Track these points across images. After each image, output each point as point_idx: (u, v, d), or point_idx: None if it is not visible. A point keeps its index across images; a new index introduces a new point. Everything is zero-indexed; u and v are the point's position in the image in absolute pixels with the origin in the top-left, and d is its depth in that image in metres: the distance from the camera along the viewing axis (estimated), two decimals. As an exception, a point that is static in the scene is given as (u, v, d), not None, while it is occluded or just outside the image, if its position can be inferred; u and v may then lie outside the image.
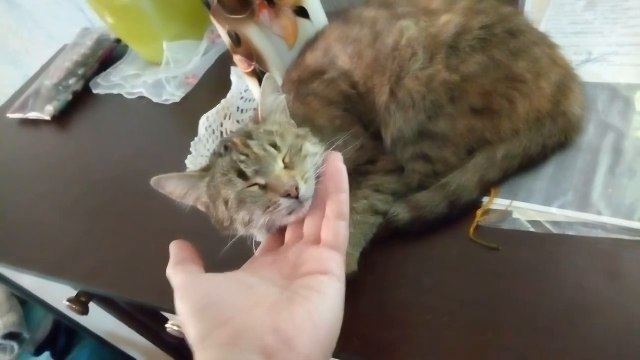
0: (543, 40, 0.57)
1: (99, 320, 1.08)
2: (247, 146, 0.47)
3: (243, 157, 0.46)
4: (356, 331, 0.50)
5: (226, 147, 0.49)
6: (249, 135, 0.48)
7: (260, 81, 0.72)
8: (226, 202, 0.47)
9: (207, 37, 1.01)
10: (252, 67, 0.70)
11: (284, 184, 0.44)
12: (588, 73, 0.60)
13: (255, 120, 0.51)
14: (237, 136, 0.49)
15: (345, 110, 0.60)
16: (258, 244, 0.59)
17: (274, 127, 0.48)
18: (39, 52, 1.52)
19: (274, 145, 0.46)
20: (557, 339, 0.44)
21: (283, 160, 0.47)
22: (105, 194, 0.84)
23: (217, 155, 0.50)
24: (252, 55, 0.68)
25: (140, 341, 1.06)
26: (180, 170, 0.78)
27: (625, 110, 0.57)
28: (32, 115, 1.09)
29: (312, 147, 0.48)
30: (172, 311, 0.66)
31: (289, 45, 0.69)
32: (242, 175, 0.46)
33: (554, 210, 0.51)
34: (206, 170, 0.50)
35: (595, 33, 0.67)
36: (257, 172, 0.46)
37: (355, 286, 0.50)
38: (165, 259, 0.67)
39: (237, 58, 0.71)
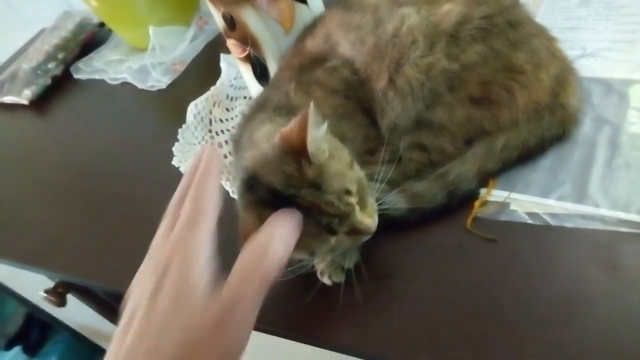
0: (542, 33, 0.57)
1: (75, 313, 1.04)
2: (329, 204, 0.43)
3: (332, 219, 0.44)
4: (351, 322, 0.49)
5: (299, 205, 0.43)
6: (317, 186, 0.43)
7: (254, 67, 0.70)
8: (312, 253, 0.47)
9: (195, 23, 0.99)
10: (246, 52, 0.68)
11: (369, 228, 0.46)
12: (582, 67, 0.60)
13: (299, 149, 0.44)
14: (303, 189, 0.43)
15: (346, 97, 0.59)
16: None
17: (331, 164, 0.44)
18: (13, 36, 1.45)
19: (348, 192, 0.44)
20: (555, 329, 0.44)
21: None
22: (86, 182, 0.81)
23: None
24: (247, 40, 0.66)
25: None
26: (166, 157, 0.75)
27: (620, 104, 0.57)
28: (8, 99, 1.05)
29: (359, 171, 0.47)
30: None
31: (286, 30, 0.67)
32: (332, 231, 0.45)
33: (551, 202, 0.51)
34: None
35: (589, 29, 0.67)
36: (345, 225, 0.45)
37: (350, 276, 0.50)
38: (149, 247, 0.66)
39: (230, 42, 0.69)
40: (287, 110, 0.56)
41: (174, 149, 0.77)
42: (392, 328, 0.48)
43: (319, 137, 0.44)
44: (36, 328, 1.34)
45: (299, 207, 0.43)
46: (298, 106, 0.55)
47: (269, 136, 0.48)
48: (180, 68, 0.95)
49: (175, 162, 0.75)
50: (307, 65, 0.61)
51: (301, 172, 0.43)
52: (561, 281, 0.47)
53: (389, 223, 0.52)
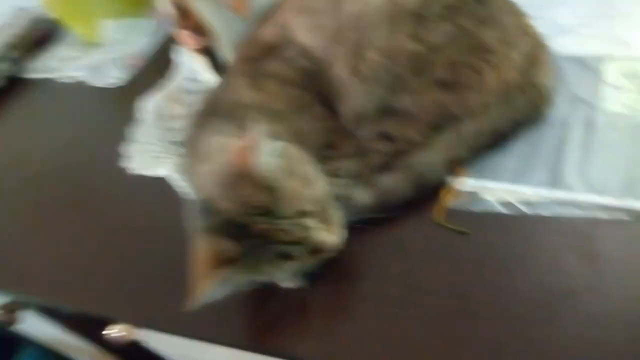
0: (512, 9, 0.53)
1: (42, 326, 0.99)
2: (284, 231, 0.41)
3: (288, 247, 0.41)
4: (314, 330, 0.45)
5: (253, 233, 0.41)
6: (270, 213, 0.40)
7: (209, 59, 0.66)
8: (271, 278, 0.44)
9: (153, 14, 0.93)
10: (200, 43, 0.64)
11: (333, 246, 0.43)
12: (555, 45, 0.56)
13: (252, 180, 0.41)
14: (255, 216, 0.40)
15: (304, 88, 0.55)
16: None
17: (287, 185, 0.41)
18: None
19: (305, 214, 0.42)
20: (534, 327, 0.40)
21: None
22: (39, 188, 0.76)
23: (236, 241, 0.41)
24: (200, 30, 0.62)
25: (89, 346, 0.98)
26: (125, 159, 0.71)
27: (595, 82, 0.54)
28: (-44, 103, 0.98)
29: (321, 184, 0.44)
30: (116, 319, 0.60)
31: (241, 17, 0.62)
32: (291, 258, 0.42)
33: (525, 189, 0.48)
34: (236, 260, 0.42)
35: (561, 4, 0.63)
36: (305, 248, 0.42)
37: (312, 279, 0.46)
38: (107, 258, 0.61)
39: (183, 33, 0.65)
40: (239, 112, 0.52)
41: (129, 150, 0.72)
42: (359, 334, 0.44)
43: (272, 156, 0.42)
44: (1, 343, 1.28)
45: (252, 235, 0.41)
46: (250, 105, 0.52)
47: (221, 150, 0.46)
48: (139, 63, 0.90)
49: (131, 164, 0.70)
50: (261, 57, 0.56)
51: (252, 198, 0.40)
52: (538, 274, 0.43)
53: (354, 219, 0.48)
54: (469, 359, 0.41)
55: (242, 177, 0.40)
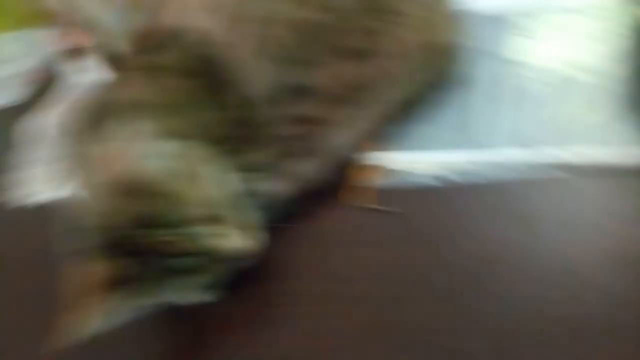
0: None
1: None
2: (173, 242, 0.35)
3: (184, 259, 0.36)
4: (242, 344, 0.40)
5: (137, 249, 0.35)
6: (170, 223, 0.35)
7: (100, 57, 0.59)
8: (173, 295, 0.38)
9: (53, 22, 0.85)
10: (82, 41, 0.57)
11: (245, 252, 0.38)
12: (475, 1, 0.54)
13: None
14: (137, 229, 0.35)
15: (204, 77, 0.49)
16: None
17: (174, 188, 0.37)
18: None
19: (215, 219, 0.37)
20: (467, 300, 0.38)
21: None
22: None
23: (122, 259, 0.36)
24: (77, 24, 0.55)
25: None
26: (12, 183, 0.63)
27: (519, 38, 0.52)
28: None
29: (224, 180, 0.40)
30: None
31: (128, 4, 0.55)
32: (191, 271, 0.37)
33: (453, 156, 0.44)
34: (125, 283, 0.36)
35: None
36: (209, 259, 0.37)
37: (231, 288, 0.40)
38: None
39: (58, 31, 0.57)
40: (130, 113, 0.46)
41: (23, 174, 0.64)
42: (295, 339, 0.39)
43: (156, 159, 0.37)
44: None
45: (140, 251, 0.35)
46: (143, 103, 0.46)
47: (103, 158, 0.40)
48: (38, 78, 0.81)
49: (24, 189, 0.62)
50: (156, 47, 0.51)
51: (131, 208, 0.35)
52: (468, 245, 0.41)
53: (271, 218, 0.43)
54: (405, 344, 0.36)
55: (117, 187, 0.35)
